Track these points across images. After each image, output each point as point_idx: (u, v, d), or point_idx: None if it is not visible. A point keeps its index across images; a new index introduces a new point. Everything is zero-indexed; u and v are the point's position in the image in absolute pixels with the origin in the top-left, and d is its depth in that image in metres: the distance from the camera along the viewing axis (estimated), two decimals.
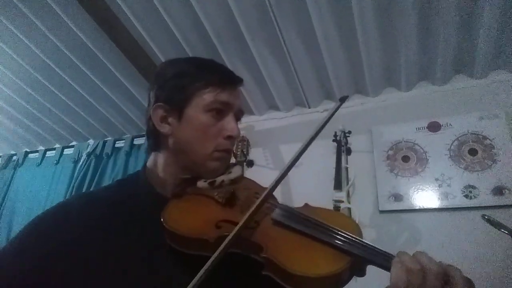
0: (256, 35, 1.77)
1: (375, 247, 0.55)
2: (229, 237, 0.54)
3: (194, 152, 0.69)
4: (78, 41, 1.97)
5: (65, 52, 2.05)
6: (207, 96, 0.69)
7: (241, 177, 0.75)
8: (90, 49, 2.00)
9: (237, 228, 0.55)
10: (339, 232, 0.58)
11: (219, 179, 0.70)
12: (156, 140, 0.74)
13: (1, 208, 2.83)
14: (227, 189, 0.69)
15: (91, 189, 2.41)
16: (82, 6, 1.75)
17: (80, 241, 0.59)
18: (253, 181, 0.78)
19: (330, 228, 0.59)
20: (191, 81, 0.71)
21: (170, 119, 0.71)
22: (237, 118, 0.74)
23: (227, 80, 0.73)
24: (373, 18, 1.59)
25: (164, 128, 0.71)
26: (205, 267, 0.49)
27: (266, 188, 0.74)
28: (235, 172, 0.74)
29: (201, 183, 0.70)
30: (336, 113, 0.71)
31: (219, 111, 0.70)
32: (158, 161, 0.74)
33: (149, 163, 0.76)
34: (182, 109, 0.70)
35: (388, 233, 1.68)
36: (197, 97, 0.70)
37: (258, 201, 0.59)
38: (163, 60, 1.97)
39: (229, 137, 0.71)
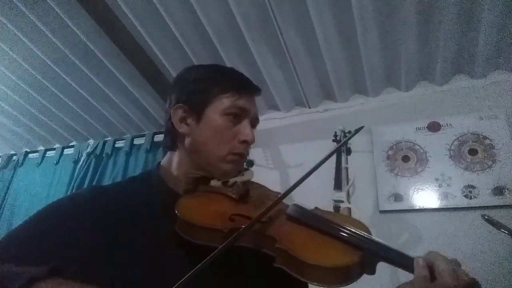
0: (256, 35, 1.77)
1: (386, 244, 0.57)
2: (245, 227, 0.55)
3: (209, 153, 0.72)
4: (78, 41, 1.96)
5: (65, 52, 2.05)
6: (226, 101, 0.73)
7: (252, 181, 0.78)
8: (90, 49, 2.00)
9: (254, 219, 0.57)
10: (351, 229, 0.60)
11: (232, 180, 0.73)
12: (173, 140, 0.77)
13: (1, 208, 2.83)
14: (242, 187, 0.72)
15: None
16: (82, 6, 1.75)
17: (91, 232, 0.60)
18: (263, 185, 0.81)
19: (342, 225, 0.61)
20: (211, 85, 0.74)
21: (189, 120, 0.74)
22: (253, 125, 0.77)
23: (246, 87, 0.77)
24: (373, 18, 1.59)
25: (183, 128, 0.74)
26: (216, 251, 0.51)
27: (276, 192, 0.77)
28: (248, 175, 0.77)
29: (214, 182, 0.72)
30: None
31: (236, 115, 0.73)
32: (173, 160, 0.77)
33: (164, 161, 0.79)
34: (201, 111, 0.73)
35: (388, 233, 1.68)
36: (216, 101, 0.73)
37: (275, 200, 0.62)
38: (163, 60, 1.98)
39: (244, 142, 0.73)
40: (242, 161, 0.77)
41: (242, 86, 0.76)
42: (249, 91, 0.77)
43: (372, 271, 0.58)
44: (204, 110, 0.73)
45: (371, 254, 0.56)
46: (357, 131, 0.76)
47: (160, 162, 0.80)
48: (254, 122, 0.78)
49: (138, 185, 0.76)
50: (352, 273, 0.55)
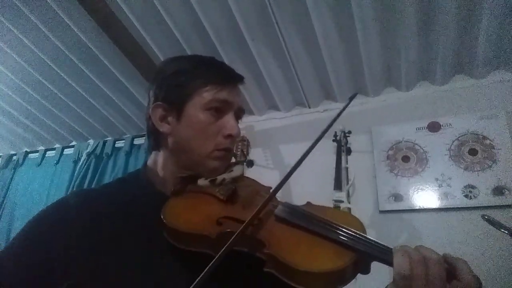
0: (256, 35, 1.77)
1: (379, 243, 0.55)
2: (234, 236, 0.53)
3: (194, 151, 0.69)
4: (78, 41, 1.96)
5: (65, 52, 2.05)
6: (206, 95, 0.69)
7: (242, 176, 0.75)
8: (90, 49, 2.00)
9: (242, 226, 0.54)
10: (343, 228, 0.58)
11: (220, 177, 0.70)
12: (156, 139, 0.74)
13: (1, 208, 2.83)
14: (229, 187, 0.68)
15: None
16: (82, 6, 1.75)
17: (78, 240, 0.59)
18: (254, 180, 0.78)
19: (334, 225, 0.59)
20: (190, 79, 0.70)
21: (169, 118, 0.71)
22: (238, 117, 0.74)
23: (227, 78, 0.72)
24: (373, 18, 1.59)
25: (164, 127, 0.71)
26: (210, 264, 0.49)
27: (267, 186, 0.73)
28: (236, 171, 0.73)
29: (202, 181, 0.69)
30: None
31: (218, 109, 0.70)
32: (158, 160, 0.74)
33: (150, 162, 0.76)
34: (181, 108, 0.69)
35: (388, 233, 1.68)
36: (196, 96, 0.69)
37: (264, 200, 0.59)
38: (163, 60, 1.97)
39: (229, 136, 0.70)
40: (229, 156, 0.74)
41: (223, 77, 0.71)
42: (230, 82, 0.72)
43: (366, 271, 0.56)
44: (184, 107, 0.69)
45: (364, 255, 0.54)
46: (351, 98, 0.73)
47: (146, 162, 0.77)
48: (239, 113, 0.74)
49: (126, 188, 0.73)
50: (344, 276, 0.53)
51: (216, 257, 0.50)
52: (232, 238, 0.53)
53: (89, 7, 1.76)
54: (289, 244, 0.57)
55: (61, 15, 1.82)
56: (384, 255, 0.53)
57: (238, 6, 1.63)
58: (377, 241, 0.55)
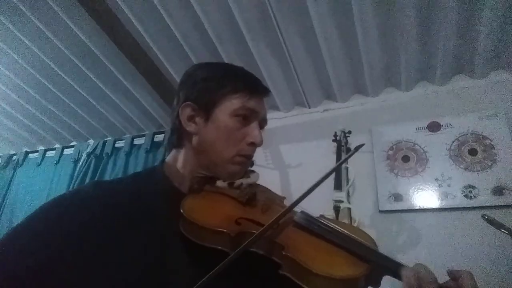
0: (256, 35, 1.77)
1: (392, 258, 0.57)
2: (255, 235, 0.55)
3: (217, 154, 0.72)
4: (78, 41, 1.96)
5: (65, 52, 2.05)
6: (236, 101, 0.72)
7: (257, 184, 0.78)
8: (90, 49, 2.00)
9: (264, 227, 0.56)
10: (358, 240, 0.60)
11: (238, 182, 0.73)
12: (179, 137, 0.77)
13: (1, 208, 2.83)
14: (248, 190, 0.71)
15: None
16: (82, 7, 1.75)
17: (93, 227, 0.60)
18: (268, 188, 0.81)
19: (349, 236, 0.61)
20: (221, 85, 0.73)
21: (197, 119, 0.74)
22: (261, 127, 0.77)
23: (256, 88, 0.76)
24: (373, 18, 1.59)
25: (191, 127, 0.74)
26: (226, 260, 0.51)
27: (281, 196, 0.77)
28: (254, 177, 0.77)
29: (220, 183, 0.72)
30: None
31: (245, 117, 0.73)
32: (179, 158, 0.76)
33: (169, 159, 0.78)
34: (210, 110, 0.72)
35: (388, 233, 1.68)
36: (226, 101, 0.72)
37: (288, 206, 0.62)
38: (163, 60, 1.98)
39: (252, 144, 0.73)
40: (248, 163, 0.76)
41: (252, 87, 0.75)
42: (259, 92, 0.76)
43: (377, 284, 0.58)
44: (213, 110, 0.72)
45: (378, 267, 0.56)
46: (357, 148, 0.75)
47: (164, 159, 0.80)
48: (262, 124, 0.78)
49: (142, 182, 0.75)
50: (357, 285, 0.54)
51: (233, 254, 0.52)
52: (252, 237, 0.55)
53: (89, 8, 1.76)
54: (308, 249, 0.59)
55: (61, 15, 1.82)
56: (397, 268, 0.55)
57: (238, 6, 1.63)
58: (390, 256, 0.58)
